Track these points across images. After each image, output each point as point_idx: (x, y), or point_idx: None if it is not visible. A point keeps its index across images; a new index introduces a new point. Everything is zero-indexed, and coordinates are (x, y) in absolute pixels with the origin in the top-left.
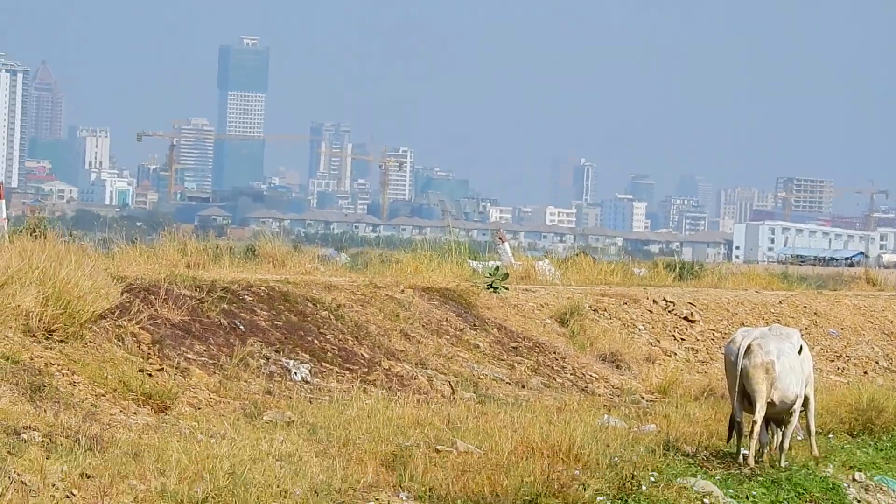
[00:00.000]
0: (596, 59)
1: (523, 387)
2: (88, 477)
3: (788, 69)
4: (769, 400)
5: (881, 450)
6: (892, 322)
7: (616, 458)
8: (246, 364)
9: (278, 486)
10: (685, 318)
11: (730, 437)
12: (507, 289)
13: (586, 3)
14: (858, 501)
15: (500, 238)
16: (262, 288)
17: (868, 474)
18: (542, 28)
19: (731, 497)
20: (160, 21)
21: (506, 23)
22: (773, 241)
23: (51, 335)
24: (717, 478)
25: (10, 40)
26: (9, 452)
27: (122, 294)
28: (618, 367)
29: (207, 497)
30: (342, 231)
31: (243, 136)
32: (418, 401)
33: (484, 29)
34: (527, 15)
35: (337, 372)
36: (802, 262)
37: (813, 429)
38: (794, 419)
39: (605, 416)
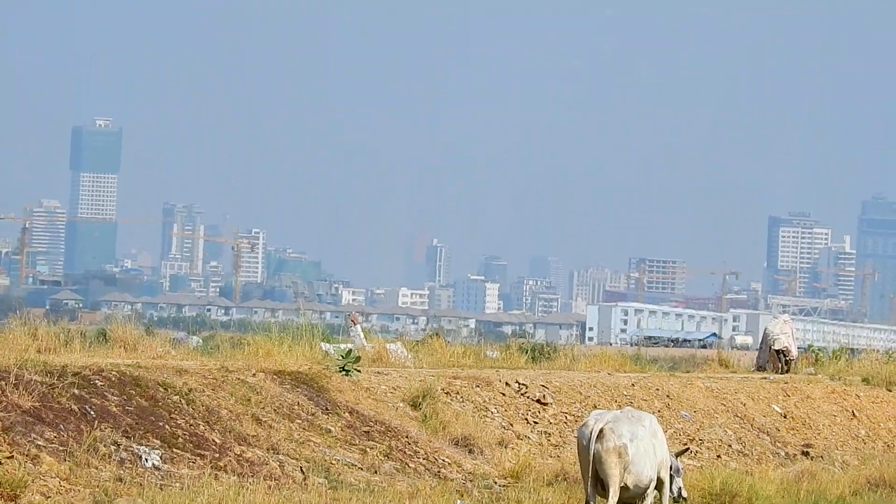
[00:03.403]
0: (446, 138)
1: (376, 472)
2: None
3: (639, 150)
4: (623, 484)
5: None
6: (744, 405)
7: None
8: (96, 450)
9: None
10: (538, 401)
11: None
12: (359, 372)
13: (441, 89)
14: None
15: (352, 321)
16: (114, 373)
17: None
18: (392, 109)
19: None
20: (11, 101)
21: (356, 103)
22: (626, 322)
23: None
24: None
25: None
26: None
27: None
28: (470, 451)
29: None
30: (194, 314)
31: (95, 218)
32: (269, 487)
33: (334, 110)
34: (378, 95)
35: (188, 458)
36: (655, 343)
37: None
38: (649, 503)
39: (458, 501)
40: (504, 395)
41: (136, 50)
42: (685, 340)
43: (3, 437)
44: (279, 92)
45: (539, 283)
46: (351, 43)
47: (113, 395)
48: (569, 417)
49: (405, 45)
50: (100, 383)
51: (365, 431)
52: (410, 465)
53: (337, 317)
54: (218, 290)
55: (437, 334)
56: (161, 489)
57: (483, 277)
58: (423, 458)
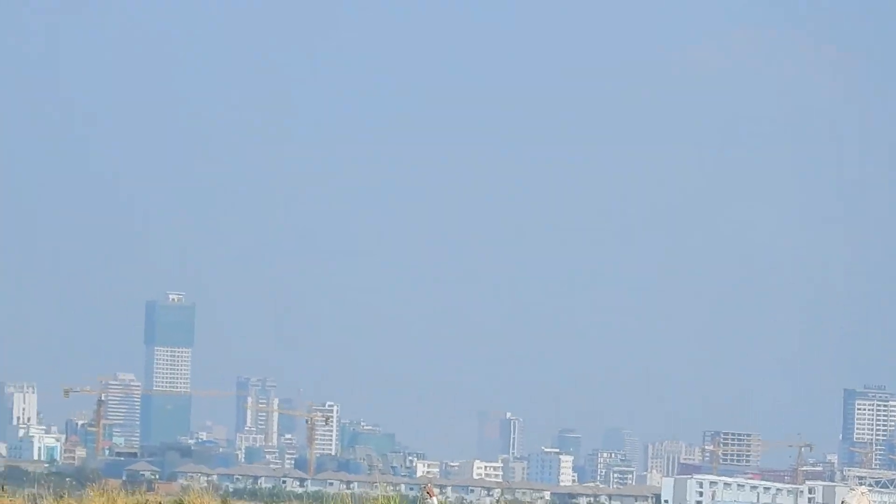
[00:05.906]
0: (521, 312)
1: None
2: None
3: (713, 328)
4: None
5: None
6: None
7: None
8: None
9: None
10: None
11: None
12: None
13: (518, 268)
14: None
15: (427, 492)
16: None
17: None
18: (466, 282)
19: None
20: (86, 276)
21: (425, 276)
22: (701, 494)
23: None
24: None
25: None
26: None
27: None
28: None
29: None
30: (270, 486)
31: (170, 391)
32: None
33: (403, 284)
34: (448, 268)
35: None
36: None
37: None
38: None
39: None
40: None
41: (206, 223)
42: None
43: None
44: (344, 266)
45: (613, 455)
46: (409, 225)
47: None
48: None
49: (477, 216)
50: None
51: None
52: None
53: (412, 489)
54: (293, 462)
55: None
56: None
57: (557, 450)
58: None
